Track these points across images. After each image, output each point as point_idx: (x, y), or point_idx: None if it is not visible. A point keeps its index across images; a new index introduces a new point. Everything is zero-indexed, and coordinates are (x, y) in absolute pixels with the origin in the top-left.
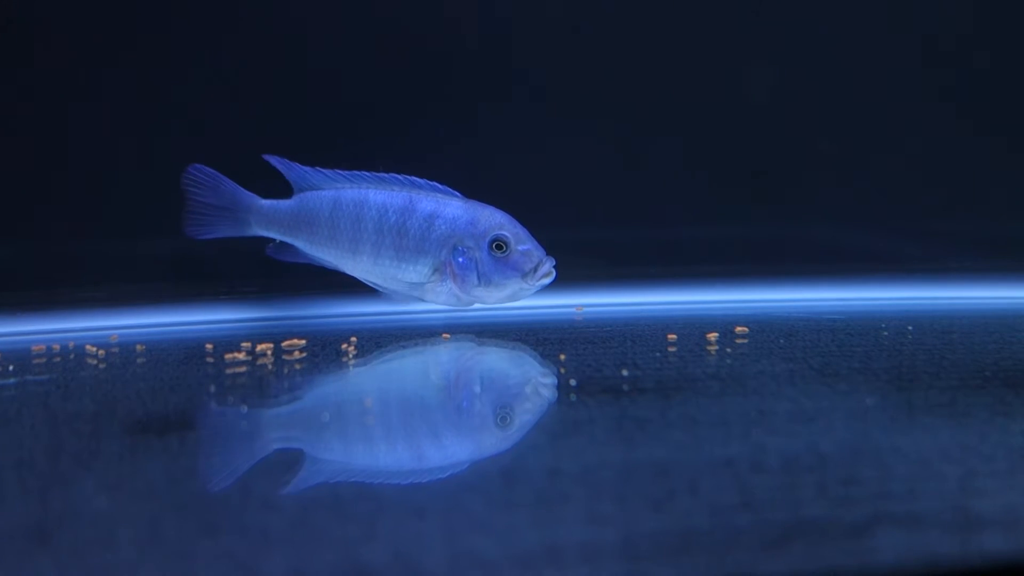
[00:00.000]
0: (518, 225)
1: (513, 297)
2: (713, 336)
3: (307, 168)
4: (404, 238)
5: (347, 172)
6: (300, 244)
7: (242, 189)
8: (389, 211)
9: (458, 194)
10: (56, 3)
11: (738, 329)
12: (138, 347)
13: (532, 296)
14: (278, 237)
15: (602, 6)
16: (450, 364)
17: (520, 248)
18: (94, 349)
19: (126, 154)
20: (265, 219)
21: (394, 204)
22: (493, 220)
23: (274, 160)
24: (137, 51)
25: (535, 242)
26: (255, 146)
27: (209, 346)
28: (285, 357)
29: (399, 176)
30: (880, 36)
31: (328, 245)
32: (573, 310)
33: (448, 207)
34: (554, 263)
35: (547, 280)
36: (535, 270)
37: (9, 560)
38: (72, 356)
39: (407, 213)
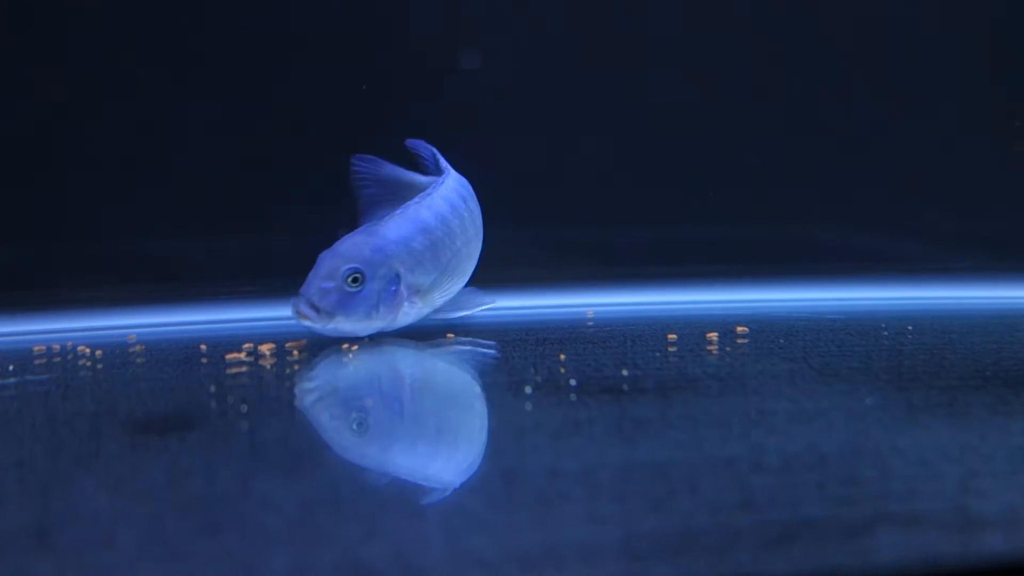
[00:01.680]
0: (327, 257)
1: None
2: (713, 336)
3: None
4: None
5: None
6: None
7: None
8: None
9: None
10: (56, 3)
11: (738, 329)
12: (138, 347)
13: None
14: None
15: (604, 6)
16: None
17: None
18: (93, 350)
19: (126, 154)
20: None
21: None
22: None
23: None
24: (138, 50)
25: (315, 279)
26: (258, 148)
27: (203, 347)
28: (287, 358)
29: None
30: (881, 35)
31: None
32: (567, 308)
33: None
34: (302, 304)
35: (301, 319)
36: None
37: (9, 560)
38: (72, 356)
39: None
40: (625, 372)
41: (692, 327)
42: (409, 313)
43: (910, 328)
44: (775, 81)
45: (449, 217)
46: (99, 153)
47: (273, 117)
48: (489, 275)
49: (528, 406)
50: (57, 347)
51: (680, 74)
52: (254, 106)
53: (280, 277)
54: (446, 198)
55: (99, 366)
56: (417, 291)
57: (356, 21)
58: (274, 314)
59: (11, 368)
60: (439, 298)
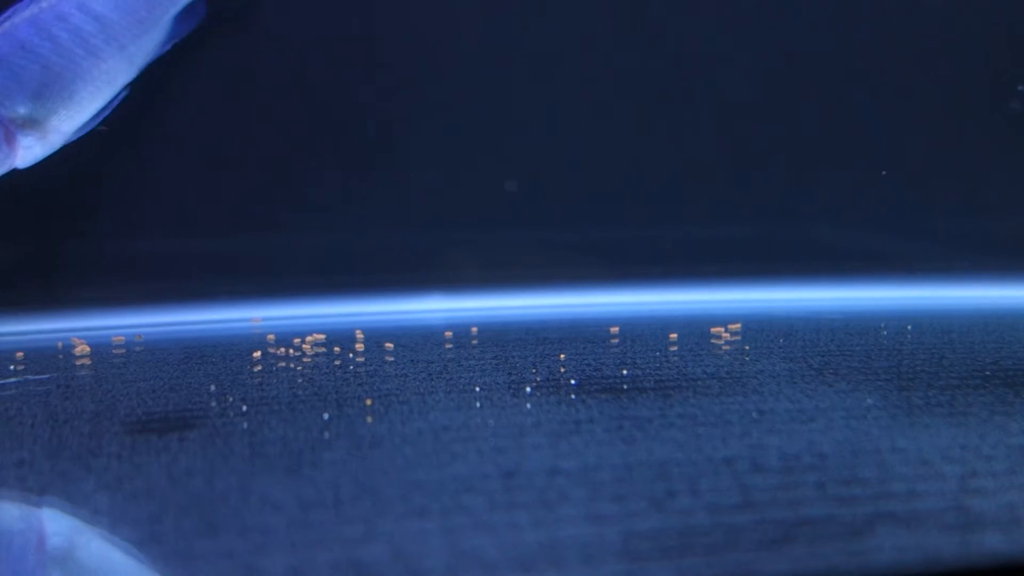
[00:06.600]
0: None
1: None
2: (713, 335)
3: None
4: None
5: None
6: None
7: None
8: None
9: None
10: None
11: (731, 327)
12: (138, 348)
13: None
14: None
15: (604, 5)
16: None
17: None
18: (92, 349)
19: (125, 153)
20: None
21: None
22: None
23: None
24: None
25: None
26: (260, 147)
27: (216, 346)
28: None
29: None
30: (881, 35)
31: None
32: (567, 308)
33: None
34: None
35: None
36: None
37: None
38: (72, 356)
39: None
40: (625, 372)
41: (692, 327)
42: (33, 148)
43: (910, 328)
44: (776, 80)
45: (56, 31)
46: (99, 152)
47: (268, 117)
48: (490, 275)
49: (528, 405)
50: (60, 344)
51: (680, 73)
52: (249, 107)
53: (279, 277)
54: (53, 7)
55: (100, 365)
56: (30, 123)
57: None
58: (274, 314)
59: (11, 368)
60: (68, 125)
